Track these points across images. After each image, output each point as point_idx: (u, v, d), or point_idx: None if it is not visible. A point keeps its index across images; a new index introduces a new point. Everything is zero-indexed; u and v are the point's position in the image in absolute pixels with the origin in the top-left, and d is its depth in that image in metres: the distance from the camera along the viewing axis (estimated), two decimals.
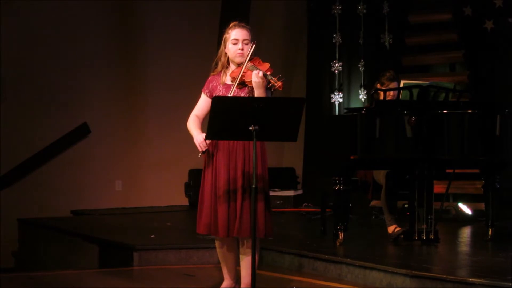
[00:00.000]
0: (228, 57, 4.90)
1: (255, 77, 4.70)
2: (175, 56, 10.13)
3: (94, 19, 9.80)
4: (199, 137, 4.83)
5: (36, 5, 9.40)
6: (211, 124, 4.55)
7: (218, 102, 4.52)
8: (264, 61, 4.87)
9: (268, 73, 4.74)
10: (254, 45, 4.85)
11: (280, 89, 4.73)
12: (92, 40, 9.79)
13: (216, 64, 4.97)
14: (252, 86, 4.76)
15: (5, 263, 8.83)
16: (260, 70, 4.74)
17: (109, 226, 8.17)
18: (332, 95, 9.82)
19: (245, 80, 4.79)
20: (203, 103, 4.97)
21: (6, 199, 9.25)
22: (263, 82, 4.70)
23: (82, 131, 9.73)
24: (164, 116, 10.03)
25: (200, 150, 4.83)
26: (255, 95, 4.73)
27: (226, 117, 4.50)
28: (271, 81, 4.70)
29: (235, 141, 4.81)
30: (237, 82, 4.79)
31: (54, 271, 6.73)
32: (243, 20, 5.04)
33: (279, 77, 4.71)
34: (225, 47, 4.91)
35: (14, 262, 8.94)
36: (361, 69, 9.66)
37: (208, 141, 4.82)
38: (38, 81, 9.50)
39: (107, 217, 8.95)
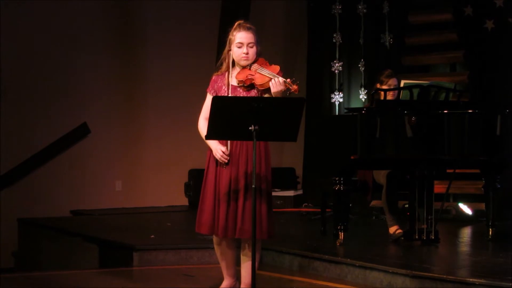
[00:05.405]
0: (233, 58, 4.81)
1: (279, 85, 4.61)
2: (175, 56, 10.12)
3: (94, 19, 9.79)
4: (219, 150, 4.75)
5: (36, 6, 9.39)
6: (211, 124, 4.53)
7: (218, 102, 4.50)
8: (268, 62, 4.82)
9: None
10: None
11: (296, 93, 4.63)
12: (92, 40, 9.78)
13: (221, 64, 4.88)
14: (261, 90, 4.72)
15: (5, 263, 8.83)
16: (277, 76, 4.65)
17: (109, 226, 8.17)
18: (332, 95, 9.81)
19: (256, 83, 4.72)
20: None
21: (6, 199, 9.24)
22: (284, 88, 4.63)
23: (82, 131, 9.72)
24: (164, 116, 10.02)
25: (224, 163, 4.75)
26: None
27: (226, 117, 4.49)
28: (286, 85, 4.64)
29: (238, 142, 4.78)
30: (244, 84, 4.76)
31: (54, 271, 6.73)
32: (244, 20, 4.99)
33: (294, 80, 4.64)
34: (230, 48, 4.83)
35: (14, 262, 8.93)
36: (361, 69, 9.65)
37: (227, 151, 4.76)
38: (38, 81, 9.49)
39: (107, 217, 8.94)
